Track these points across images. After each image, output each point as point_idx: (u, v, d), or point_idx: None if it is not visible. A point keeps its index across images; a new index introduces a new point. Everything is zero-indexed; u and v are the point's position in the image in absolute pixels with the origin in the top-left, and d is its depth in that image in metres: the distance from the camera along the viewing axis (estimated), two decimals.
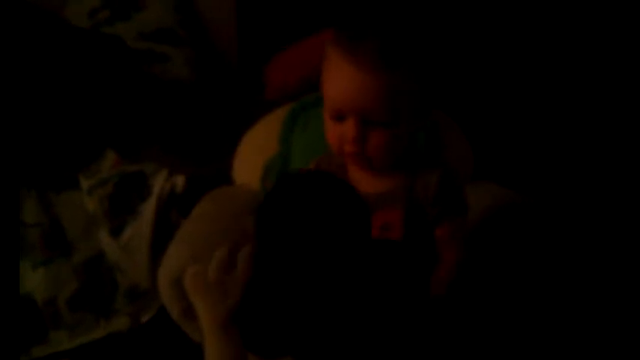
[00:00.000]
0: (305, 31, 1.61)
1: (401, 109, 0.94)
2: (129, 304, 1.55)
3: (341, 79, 0.94)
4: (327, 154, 1.05)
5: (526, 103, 1.79)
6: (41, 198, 1.58)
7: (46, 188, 1.59)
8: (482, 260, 1.16)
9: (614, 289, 1.58)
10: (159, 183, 1.56)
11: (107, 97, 1.65)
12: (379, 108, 0.93)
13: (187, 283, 1.14)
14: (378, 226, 0.99)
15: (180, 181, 1.55)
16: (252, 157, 1.45)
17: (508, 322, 1.18)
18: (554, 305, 1.26)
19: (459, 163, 1.34)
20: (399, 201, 0.99)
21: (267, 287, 0.86)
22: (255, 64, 1.79)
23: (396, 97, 0.93)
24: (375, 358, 0.88)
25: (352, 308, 0.85)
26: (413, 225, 0.99)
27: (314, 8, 1.79)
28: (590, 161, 1.78)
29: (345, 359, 0.88)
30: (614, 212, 1.74)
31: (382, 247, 0.92)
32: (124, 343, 1.53)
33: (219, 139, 1.71)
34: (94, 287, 1.55)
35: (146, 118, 1.70)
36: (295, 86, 1.54)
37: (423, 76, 0.96)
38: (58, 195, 1.59)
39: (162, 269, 1.24)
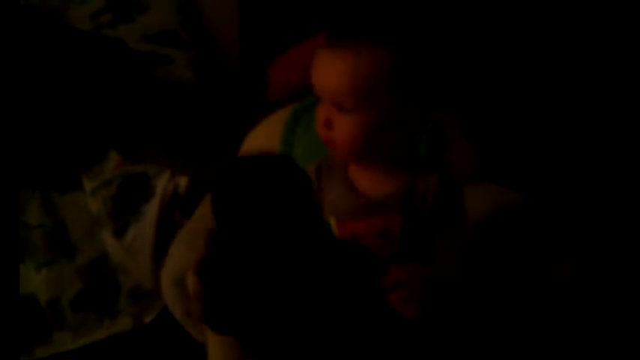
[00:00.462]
0: (307, 32, 1.61)
1: (365, 93, 0.94)
2: (132, 304, 1.55)
3: (318, 64, 0.98)
4: (328, 156, 1.06)
5: (526, 103, 1.79)
6: (45, 199, 1.58)
7: (49, 189, 1.59)
8: (483, 262, 1.16)
9: (616, 289, 1.58)
10: (162, 184, 1.57)
11: (109, 99, 1.66)
12: (342, 88, 0.94)
13: (190, 284, 1.15)
14: (376, 232, 0.98)
15: (183, 181, 1.56)
16: None
17: (508, 323, 1.18)
18: (555, 305, 1.26)
19: (461, 164, 1.34)
20: (398, 207, 0.99)
21: (218, 264, 0.89)
22: (257, 66, 1.80)
23: (360, 80, 0.94)
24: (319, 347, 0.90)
25: (297, 294, 0.87)
26: (411, 232, 0.98)
27: (316, 9, 1.80)
28: (591, 161, 1.78)
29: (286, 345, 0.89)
30: (615, 212, 1.73)
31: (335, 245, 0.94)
32: (127, 344, 1.54)
33: (221, 139, 1.71)
34: (97, 288, 1.56)
35: (149, 120, 1.71)
36: (298, 87, 1.54)
37: (392, 64, 0.95)
38: (61, 196, 1.60)
39: (164, 270, 1.25)
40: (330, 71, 0.95)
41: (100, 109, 1.64)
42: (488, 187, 1.30)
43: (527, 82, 1.79)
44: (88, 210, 1.58)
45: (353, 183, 1.02)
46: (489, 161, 1.45)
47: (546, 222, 1.26)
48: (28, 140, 1.56)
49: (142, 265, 1.53)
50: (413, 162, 1.02)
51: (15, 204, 1.46)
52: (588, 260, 1.42)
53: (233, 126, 1.70)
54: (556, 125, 1.79)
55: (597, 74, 1.77)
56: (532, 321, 1.21)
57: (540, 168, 1.76)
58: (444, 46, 1.60)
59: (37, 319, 1.52)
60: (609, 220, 1.71)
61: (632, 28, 1.75)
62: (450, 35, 1.71)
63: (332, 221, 1.01)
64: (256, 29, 1.91)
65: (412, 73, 0.97)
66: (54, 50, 1.65)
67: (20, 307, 1.51)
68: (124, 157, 1.62)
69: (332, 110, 0.96)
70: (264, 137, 1.47)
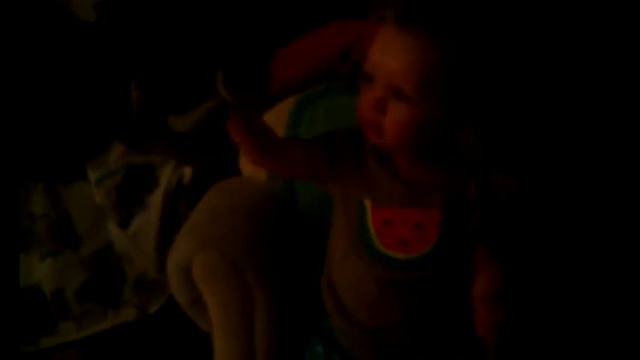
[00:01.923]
0: (310, 25, 1.61)
1: (429, 84, 0.90)
2: (136, 295, 1.56)
3: (384, 40, 0.92)
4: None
5: (532, 96, 1.79)
6: (49, 189, 1.59)
7: (54, 180, 1.60)
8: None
9: (618, 284, 1.58)
10: (166, 174, 1.57)
11: (113, 88, 1.66)
12: (407, 74, 0.89)
13: (196, 273, 1.15)
14: (412, 223, 0.97)
15: (187, 172, 1.56)
16: None
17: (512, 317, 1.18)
18: (558, 298, 1.26)
19: (468, 155, 1.33)
20: (438, 200, 0.97)
21: None
22: (260, 58, 1.79)
23: (428, 70, 0.90)
24: None
25: None
26: (448, 230, 0.97)
27: (319, 3, 1.79)
28: (594, 155, 1.78)
29: None
30: (618, 207, 1.74)
31: None
32: (132, 334, 1.54)
33: (224, 131, 1.71)
34: (101, 278, 1.56)
35: (154, 110, 1.71)
36: (300, 79, 1.54)
37: (461, 59, 0.91)
38: (66, 186, 1.60)
39: (170, 259, 1.25)
40: (400, 53, 0.90)
41: (103, 98, 1.65)
42: (495, 179, 1.29)
43: (532, 74, 1.79)
44: (92, 200, 1.59)
45: (394, 165, 0.99)
46: (496, 153, 1.45)
47: (553, 215, 1.26)
48: (32, 130, 1.56)
49: (146, 255, 1.54)
50: (455, 160, 1.00)
51: (16, 195, 1.47)
52: (593, 254, 1.42)
53: None
54: (562, 118, 1.79)
55: (603, 66, 1.77)
56: (535, 315, 1.21)
57: (547, 160, 1.76)
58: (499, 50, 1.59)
59: (42, 310, 1.53)
60: (614, 212, 1.72)
61: (633, 28, 1.75)
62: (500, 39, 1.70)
63: (367, 204, 0.98)
64: (258, 21, 1.91)
65: (476, 73, 0.93)
66: (57, 40, 1.65)
67: (25, 297, 1.51)
68: (128, 148, 1.62)
69: (387, 94, 0.91)
70: None
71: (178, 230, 1.30)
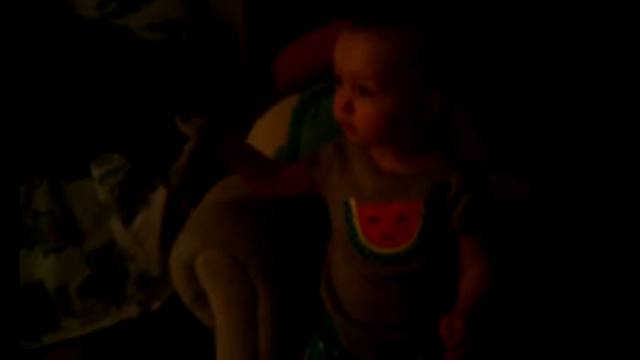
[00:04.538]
0: (311, 24, 1.62)
1: (388, 76, 0.92)
2: (139, 292, 1.56)
3: (341, 43, 0.96)
4: (346, 137, 1.03)
5: (534, 93, 1.80)
6: (53, 186, 1.59)
7: (58, 177, 1.60)
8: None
9: (622, 281, 1.58)
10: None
11: (117, 86, 1.67)
12: (365, 69, 0.92)
13: (199, 271, 1.16)
14: (395, 216, 0.98)
15: None
16: (261, 146, 1.45)
17: (517, 316, 1.18)
18: (562, 298, 1.26)
19: (469, 152, 1.33)
20: (421, 191, 0.97)
21: None
22: (263, 57, 1.80)
23: (383, 60, 0.92)
24: None
25: None
26: (432, 221, 0.97)
27: (319, 2, 1.80)
28: (597, 153, 1.79)
29: None
30: (621, 204, 1.74)
31: None
32: (135, 331, 1.54)
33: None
34: (104, 275, 1.57)
35: (154, 108, 1.72)
36: (303, 77, 1.55)
37: (416, 48, 0.93)
38: (69, 183, 1.61)
39: (173, 257, 1.25)
40: (354, 52, 0.93)
41: (107, 96, 1.65)
42: (498, 177, 1.30)
43: (533, 71, 1.79)
44: (95, 197, 1.59)
45: (376, 163, 1.01)
46: (498, 150, 1.46)
47: (557, 211, 1.26)
48: (36, 128, 1.56)
49: (149, 253, 1.54)
50: (437, 147, 1.00)
51: (18, 191, 1.47)
52: (595, 249, 1.42)
53: (239, 117, 1.71)
54: (563, 115, 1.80)
55: (607, 65, 1.77)
56: (541, 314, 1.21)
57: (548, 157, 1.77)
58: (464, 33, 1.59)
59: (46, 306, 1.53)
60: (617, 209, 1.72)
61: (633, 27, 1.76)
62: (468, 23, 1.71)
63: (352, 202, 1.00)
64: (261, 21, 1.92)
65: (436, 58, 0.94)
66: (62, 39, 1.66)
67: (28, 294, 1.52)
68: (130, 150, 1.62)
69: (353, 93, 0.95)
70: (271, 126, 1.47)
71: (181, 227, 1.31)
